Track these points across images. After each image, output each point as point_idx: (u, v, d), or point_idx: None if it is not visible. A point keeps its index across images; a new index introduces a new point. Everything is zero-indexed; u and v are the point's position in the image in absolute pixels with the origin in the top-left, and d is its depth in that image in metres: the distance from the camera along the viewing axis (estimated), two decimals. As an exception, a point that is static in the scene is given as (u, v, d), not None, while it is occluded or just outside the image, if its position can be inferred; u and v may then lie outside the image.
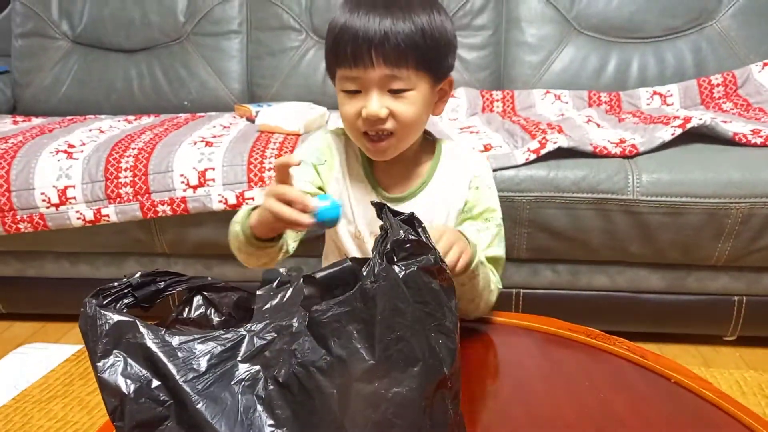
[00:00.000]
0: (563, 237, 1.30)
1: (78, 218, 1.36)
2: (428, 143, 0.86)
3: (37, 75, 1.96)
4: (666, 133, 1.32)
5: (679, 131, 1.32)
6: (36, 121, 1.76)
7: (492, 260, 0.81)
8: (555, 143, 1.29)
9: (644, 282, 1.35)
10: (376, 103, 0.72)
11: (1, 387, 1.31)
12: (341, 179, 0.84)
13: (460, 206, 0.83)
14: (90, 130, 1.57)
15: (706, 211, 1.22)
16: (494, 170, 1.28)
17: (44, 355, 1.44)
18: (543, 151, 1.28)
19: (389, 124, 0.73)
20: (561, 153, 1.29)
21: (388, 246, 0.42)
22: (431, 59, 0.74)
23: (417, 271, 0.42)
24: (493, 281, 0.81)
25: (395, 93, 0.73)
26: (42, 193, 1.35)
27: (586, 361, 0.77)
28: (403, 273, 0.41)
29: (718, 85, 1.70)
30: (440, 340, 0.42)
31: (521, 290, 1.40)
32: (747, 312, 1.34)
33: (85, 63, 1.96)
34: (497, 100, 1.78)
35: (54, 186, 1.35)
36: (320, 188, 0.84)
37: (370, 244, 0.82)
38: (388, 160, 0.80)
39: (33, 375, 1.36)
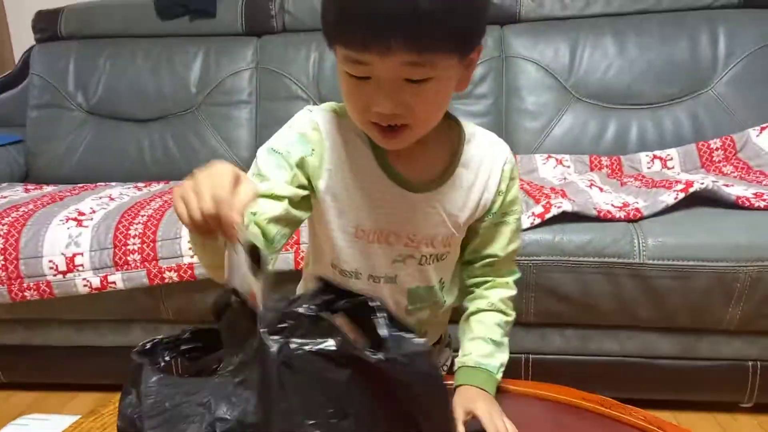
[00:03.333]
0: (571, 301, 1.28)
1: (84, 285, 1.36)
2: (447, 121, 0.71)
3: (51, 144, 2.01)
4: (669, 197, 1.33)
5: (682, 195, 1.33)
6: (47, 189, 1.80)
7: (509, 256, 0.76)
8: (559, 207, 1.30)
9: (655, 347, 1.32)
10: (390, 103, 0.58)
11: (-3, 461, 1.27)
12: (339, 169, 0.68)
13: (492, 195, 0.72)
14: (100, 198, 1.60)
15: (715, 274, 1.22)
16: (500, 235, 1.28)
17: (44, 427, 1.40)
18: (548, 216, 1.29)
19: (405, 119, 0.61)
20: (565, 217, 1.30)
21: (282, 318, 0.40)
22: (464, 34, 0.58)
23: (307, 354, 0.39)
24: (506, 323, 0.76)
25: (414, 82, 0.58)
26: (50, 261, 1.36)
27: (601, 432, 0.75)
28: (286, 353, 0.38)
29: (717, 149, 1.73)
30: None
31: (530, 355, 1.38)
32: (763, 378, 1.31)
33: (99, 132, 2.01)
34: (500, 165, 1.80)
35: (62, 253, 1.36)
36: (305, 186, 0.67)
37: (382, 249, 0.71)
38: None
39: (31, 448, 1.32)
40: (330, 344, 0.39)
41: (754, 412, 1.37)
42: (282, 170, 0.65)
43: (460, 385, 0.72)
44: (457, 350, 0.83)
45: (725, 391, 1.36)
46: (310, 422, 0.38)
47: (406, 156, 0.67)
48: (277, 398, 0.38)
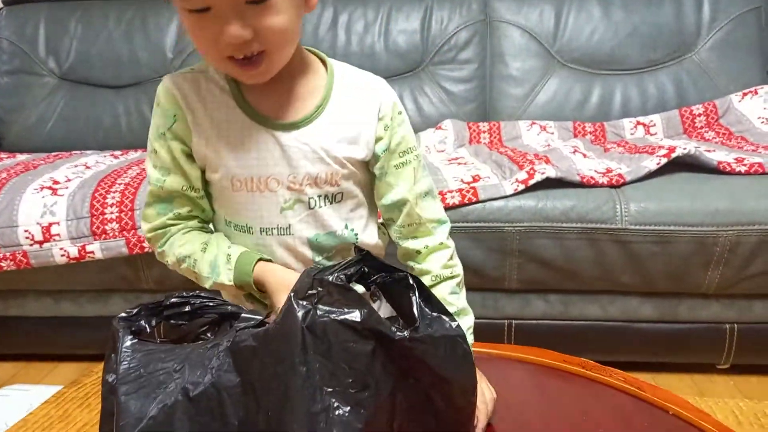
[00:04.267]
0: (554, 267, 1.29)
1: (62, 255, 1.34)
2: (312, 58, 0.71)
3: (23, 112, 1.95)
4: (651, 163, 1.33)
5: (664, 161, 1.33)
6: (21, 157, 1.75)
7: (421, 195, 0.74)
8: (543, 174, 1.29)
9: (636, 311, 1.34)
10: (237, 28, 0.57)
11: (-22, 432, 1.26)
12: (202, 124, 0.67)
13: (371, 136, 0.70)
14: (75, 166, 1.56)
15: (695, 239, 1.23)
16: (483, 201, 1.28)
17: (25, 397, 1.39)
18: (531, 182, 1.29)
19: (258, 45, 0.60)
20: (549, 183, 1.30)
21: (312, 284, 0.40)
22: None
23: (332, 323, 0.39)
24: (457, 285, 0.75)
25: (256, 3, 0.58)
26: (25, 231, 1.32)
27: (582, 394, 0.76)
28: (312, 318, 0.39)
29: (699, 114, 1.73)
30: (335, 404, 0.37)
31: (513, 321, 1.39)
32: (739, 340, 1.34)
33: (72, 99, 1.95)
34: (484, 132, 1.80)
35: (38, 223, 1.32)
36: (188, 154, 0.70)
37: (265, 198, 0.69)
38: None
39: (12, 418, 1.31)
40: (355, 315, 0.39)
41: (730, 374, 1.40)
42: (179, 153, 0.69)
43: None
44: None
45: (703, 354, 1.39)
46: (329, 389, 0.38)
47: (271, 95, 0.67)
48: (298, 363, 0.38)
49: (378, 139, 0.71)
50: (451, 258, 0.75)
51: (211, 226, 0.77)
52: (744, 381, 1.39)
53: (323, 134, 0.68)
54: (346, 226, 0.73)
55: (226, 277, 0.69)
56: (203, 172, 0.71)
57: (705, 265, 1.25)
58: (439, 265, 0.74)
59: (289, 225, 0.70)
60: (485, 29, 1.88)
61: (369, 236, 0.76)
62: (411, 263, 0.76)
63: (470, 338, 0.74)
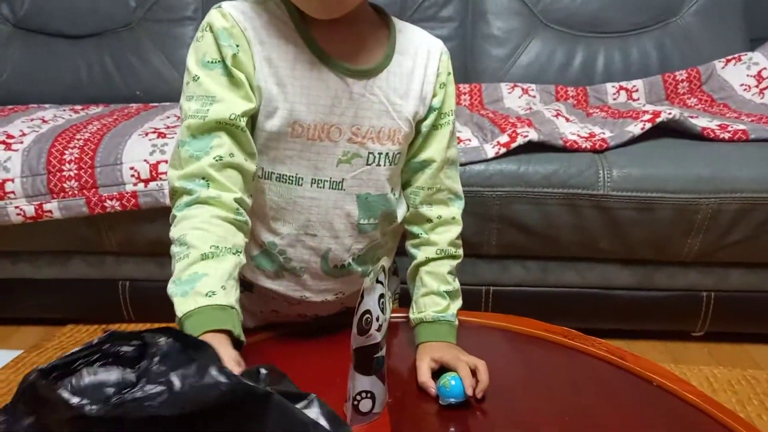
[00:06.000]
0: (533, 233, 1.26)
1: (18, 214, 1.26)
2: (370, 9, 0.69)
3: (-26, 62, 1.83)
4: (636, 128, 1.30)
5: (648, 125, 1.30)
6: (-28, 110, 1.63)
7: (449, 161, 0.73)
8: (525, 137, 1.25)
9: (614, 278, 1.33)
10: None
11: (-71, 400, 1.20)
12: (268, 61, 0.61)
13: (429, 92, 0.68)
14: (31, 120, 1.46)
15: (676, 206, 1.21)
16: (463, 165, 1.23)
17: (-20, 364, 1.32)
18: (513, 145, 1.25)
19: None
20: (531, 147, 1.26)
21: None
22: None
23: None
24: (456, 267, 0.75)
25: None
26: (-24, 188, 1.24)
27: (565, 363, 0.73)
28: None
29: (682, 80, 1.70)
30: None
31: (491, 287, 1.36)
32: (715, 308, 1.33)
33: (28, 49, 1.83)
34: (464, 93, 1.74)
35: (-10, 180, 1.24)
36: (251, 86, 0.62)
37: (324, 147, 0.64)
38: (328, 24, 0.61)
39: (-33, 385, 1.25)
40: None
41: (705, 341, 1.41)
42: (230, 82, 0.60)
43: (424, 342, 0.70)
44: (403, 281, 0.81)
45: (678, 321, 1.39)
46: None
47: (339, 38, 0.63)
48: None
49: (433, 96, 0.69)
50: (458, 237, 0.74)
51: (247, 204, 0.63)
52: (717, 348, 1.40)
53: (390, 87, 0.66)
54: (392, 191, 0.70)
55: (181, 308, 0.54)
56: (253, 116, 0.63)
57: (685, 233, 1.23)
58: (447, 240, 0.73)
59: (343, 179, 0.66)
60: (468, -15, 1.81)
61: (402, 205, 0.74)
62: (417, 230, 0.74)
63: (455, 321, 0.73)
